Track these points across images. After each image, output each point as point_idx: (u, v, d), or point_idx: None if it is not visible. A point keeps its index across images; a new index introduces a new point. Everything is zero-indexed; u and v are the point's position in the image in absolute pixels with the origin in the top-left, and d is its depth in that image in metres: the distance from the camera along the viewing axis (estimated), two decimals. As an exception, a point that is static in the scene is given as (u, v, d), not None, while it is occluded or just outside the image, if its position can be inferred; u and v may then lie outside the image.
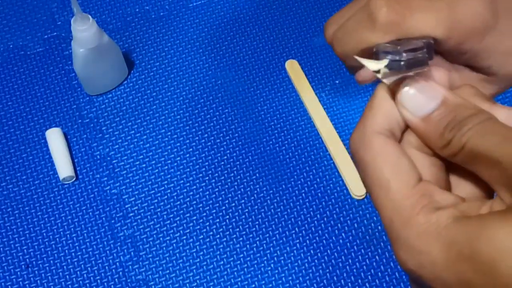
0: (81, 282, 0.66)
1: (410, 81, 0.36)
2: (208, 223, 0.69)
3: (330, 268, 0.66)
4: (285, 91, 0.76)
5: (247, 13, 0.81)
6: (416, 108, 0.35)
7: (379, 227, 0.68)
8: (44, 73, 0.77)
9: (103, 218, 0.69)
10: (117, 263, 0.67)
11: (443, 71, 0.37)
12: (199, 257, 0.67)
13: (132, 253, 0.67)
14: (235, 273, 0.66)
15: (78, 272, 0.67)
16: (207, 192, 0.70)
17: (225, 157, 0.72)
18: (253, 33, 0.80)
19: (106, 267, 0.67)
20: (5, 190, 0.70)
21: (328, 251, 0.67)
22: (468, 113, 0.34)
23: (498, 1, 0.44)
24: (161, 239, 0.68)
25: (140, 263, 0.67)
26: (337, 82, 0.76)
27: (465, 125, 0.33)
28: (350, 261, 0.67)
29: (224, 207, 0.70)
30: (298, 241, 0.68)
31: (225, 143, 0.73)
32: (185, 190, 0.71)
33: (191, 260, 0.67)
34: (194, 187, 0.71)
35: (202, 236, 0.68)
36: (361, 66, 0.46)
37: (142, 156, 0.72)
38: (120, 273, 0.67)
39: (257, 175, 0.71)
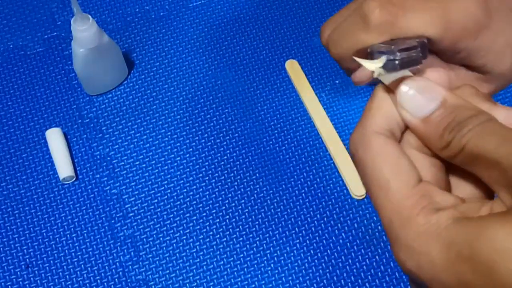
0: (81, 282, 0.66)
1: (409, 82, 0.36)
2: (208, 223, 0.69)
3: (330, 268, 0.66)
4: (285, 91, 0.76)
5: (247, 13, 0.81)
6: (415, 109, 0.35)
7: (379, 227, 0.68)
8: (44, 73, 0.77)
9: (103, 218, 0.69)
10: (117, 263, 0.67)
11: (443, 71, 0.37)
12: (199, 257, 0.67)
13: (132, 253, 0.67)
14: (235, 273, 0.66)
15: (78, 272, 0.67)
16: (207, 192, 0.70)
17: (225, 157, 0.72)
18: (253, 33, 0.80)
19: (106, 267, 0.67)
20: (5, 190, 0.70)
21: (328, 251, 0.67)
22: (468, 114, 0.34)
23: (490, 1, 0.44)
24: (161, 239, 0.68)
25: (140, 263, 0.67)
26: (337, 82, 0.76)
27: (465, 126, 0.33)
28: (350, 261, 0.67)
29: (224, 207, 0.70)
30: (298, 241, 0.68)
31: (225, 143, 0.73)
32: (185, 190, 0.71)
33: (191, 260, 0.67)
34: (194, 187, 0.71)
35: (202, 236, 0.68)
36: (357, 68, 0.46)
37: (142, 156, 0.72)
38: (120, 273, 0.67)
39: (257, 175, 0.71)
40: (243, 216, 0.69)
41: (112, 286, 0.66)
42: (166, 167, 0.72)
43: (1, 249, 0.68)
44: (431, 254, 0.32)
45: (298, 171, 0.71)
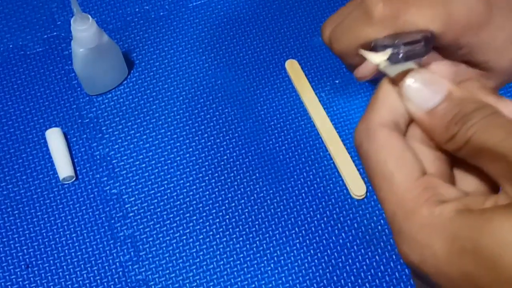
0: (81, 282, 0.66)
1: (415, 75, 0.36)
2: (208, 223, 0.69)
3: (330, 268, 0.66)
4: (285, 91, 0.76)
5: (247, 13, 0.81)
6: (421, 102, 0.36)
7: (379, 227, 0.68)
8: (44, 73, 0.77)
9: (103, 218, 0.69)
10: (117, 263, 0.67)
11: (449, 65, 0.37)
12: (199, 257, 0.67)
13: (132, 253, 0.67)
14: (235, 273, 0.66)
15: (78, 272, 0.67)
16: (207, 192, 0.70)
17: (225, 157, 0.72)
18: (253, 33, 0.80)
19: (106, 267, 0.67)
20: (5, 190, 0.70)
21: (328, 251, 0.67)
22: (473, 107, 0.34)
23: None
24: (161, 239, 0.68)
25: (140, 263, 0.67)
26: (337, 82, 0.76)
27: (470, 119, 0.33)
28: (350, 261, 0.67)
29: (224, 207, 0.69)
30: (298, 241, 0.68)
31: (225, 143, 0.73)
32: (185, 190, 0.70)
33: (191, 260, 0.67)
34: (194, 187, 0.71)
35: (202, 236, 0.68)
36: (360, 63, 0.47)
37: (142, 156, 0.72)
38: (120, 273, 0.66)
39: (257, 175, 0.71)
40: (243, 216, 0.69)
41: (112, 286, 0.66)
42: (166, 167, 0.72)
43: (1, 249, 0.67)
44: (434, 247, 0.32)
45: (298, 171, 0.71)
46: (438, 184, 0.34)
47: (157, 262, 0.67)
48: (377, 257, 0.67)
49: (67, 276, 0.66)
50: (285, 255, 0.67)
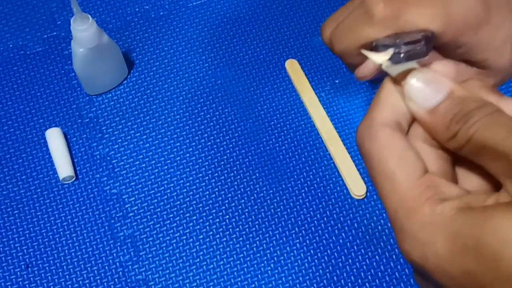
0: (81, 282, 0.66)
1: (416, 74, 0.36)
2: (208, 223, 0.69)
3: (330, 268, 0.66)
4: (285, 91, 0.76)
5: (247, 13, 0.81)
6: (422, 100, 0.36)
7: (379, 227, 0.68)
8: (44, 73, 0.77)
9: (103, 218, 0.69)
10: (117, 263, 0.67)
11: (450, 64, 0.37)
12: (199, 257, 0.67)
13: (132, 253, 0.67)
14: (235, 273, 0.66)
15: (78, 272, 0.67)
16: (207, 192, 0.70)
17: (225, 157, 0.72)
18: (253, 33, 0.80)
19: (106, 267, 0.67)
20: (5, 190, 0.70)
21: (328, 251, 0.67)
22: (474, 105, 0.34)
23: None
24: (161, 239, 0.68)
25: (140, 263, 0.67)
26: (337, 82, 0.77)
27: (472, 117, 0.33)
28: (350, 261, 0.67)
29: (224, 207, 0.69)
30: (298, 241, 0.68)
31: (225, 143, 0.73)
32: (185, 190, 0.70)
33: (191, 260, 0.67)
34: (194, 187, 0.71)
35: (202, 236, 0.68)
36: (360, 63, 0.47)
37: (142, 156, 0.72)
38: (120, 273, 0.66)
39: (257, 175, 0.71)
40: (243, 216, 0.69)
41: (112, 286, 0.66)
42: (166, 167, 0.72)
43: (1, 249, 0.67)
44: (436, 245, 0.32)
45: (298, 171, 0.71)
46: (439, 183, 0.34)
47: (157, 262, 0.67)
48: (377, 257, 0.67)
49: (67, 276, 0.66)
50: (285, 255, 0.67)
